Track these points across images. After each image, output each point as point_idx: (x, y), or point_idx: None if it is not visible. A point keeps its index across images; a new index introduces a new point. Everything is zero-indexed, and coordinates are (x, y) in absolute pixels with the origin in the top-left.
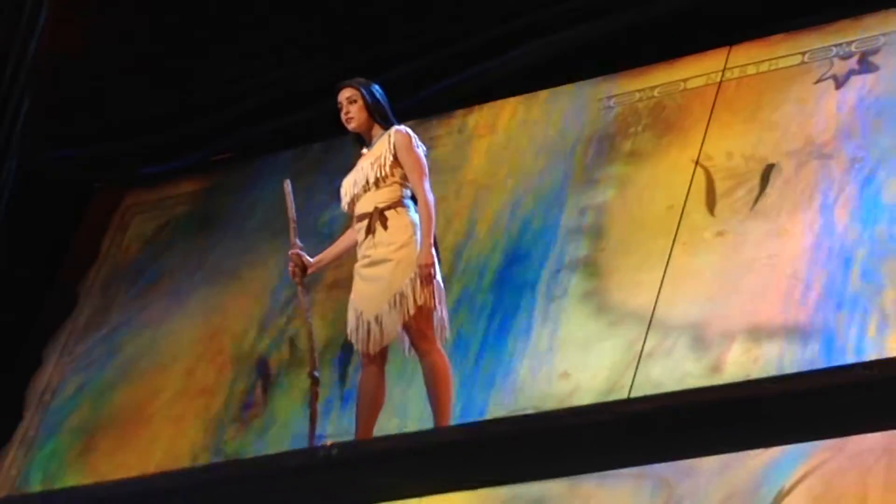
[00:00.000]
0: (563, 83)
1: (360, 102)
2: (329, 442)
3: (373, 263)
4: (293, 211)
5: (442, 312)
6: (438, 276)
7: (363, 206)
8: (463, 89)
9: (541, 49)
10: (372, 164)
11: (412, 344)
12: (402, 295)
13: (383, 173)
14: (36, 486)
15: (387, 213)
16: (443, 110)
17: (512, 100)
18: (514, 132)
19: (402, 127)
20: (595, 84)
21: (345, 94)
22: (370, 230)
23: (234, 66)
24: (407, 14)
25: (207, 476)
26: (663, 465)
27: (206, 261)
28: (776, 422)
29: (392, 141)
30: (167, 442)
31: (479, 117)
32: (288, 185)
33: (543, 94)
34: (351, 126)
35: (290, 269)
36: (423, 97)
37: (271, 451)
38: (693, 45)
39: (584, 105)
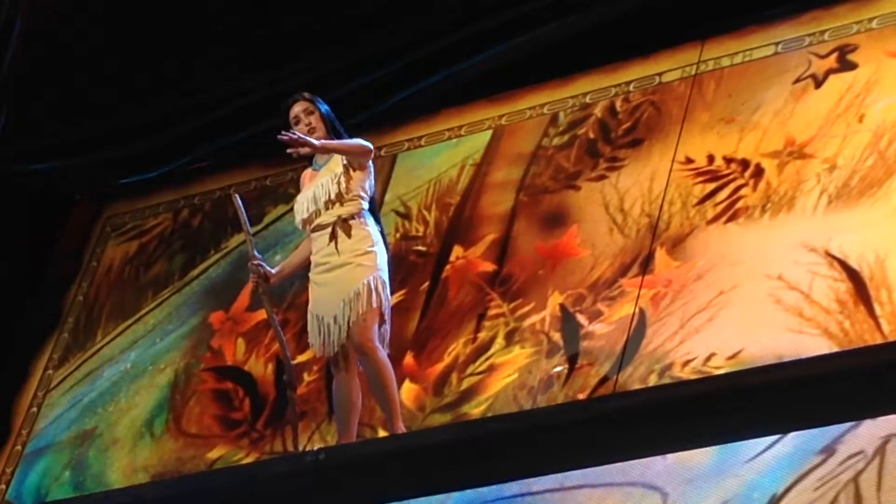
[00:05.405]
0: (537, 83)
1: (317, 114)
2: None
3: (332, 269)
4: (247, 224)
5: (387, 319)
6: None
7: (324, 218)
8: (433, 93)
9: (514, 49)
10: (332, 180)
11: (358, 344)
12: (357, 293)
13: (345, 188)
14: (28, 500)
15: (350, 222)
16: (416, 114)
17: (485, 101)
18: (493, 134)
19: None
20: (569, 82)
21: (301, 107)
22: (333, 237)
23: (207, 74)
24: (378, 20)
25: (196, 484)
26: (655, 472)
27: (189, 275)
28: (764, 412)
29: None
30: (155, 456)
31: (452, 121)
32: (237, 200)
33: (518, 95)
34: (316, 136)
35: (252, 280)
36: (397, 101)
37: None
38: (666, 41)
39: (558, 105)
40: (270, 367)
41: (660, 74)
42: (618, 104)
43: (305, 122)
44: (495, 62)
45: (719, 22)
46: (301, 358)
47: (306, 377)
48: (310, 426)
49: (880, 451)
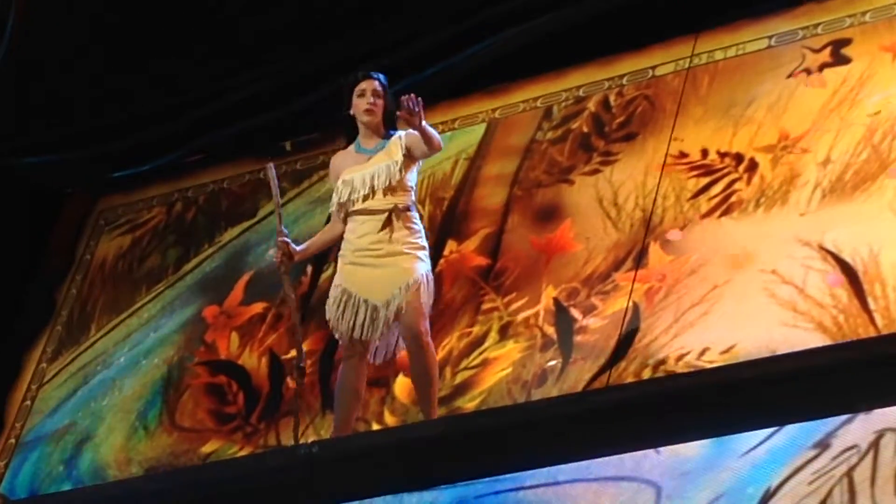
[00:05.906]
0: (531, 76)
1: (383, 101)
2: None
3: (384, 255)
4: (278, 197)
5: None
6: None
7: (376, 203)
8: (427, 86)
9: (507, 42)
10: (394, 167)
11: (416, 334)
12: (416, 282)
13: (404, 176)
14: (21, 494)
15: (408, 213)
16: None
17: (479, 94)
18: (487, 128)
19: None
20: (563, 75)
21: (372, 85)
22: (388, 224)
23: (201, 68)
24: (375, 13)
25: (190, 478)
26: (649, 466)
27: (183, 269)
28: (758, 405)
29: (405, 143)
30: (148, 450)
31: (446, 114)
32: (272, 170)
33: (512, 88)
34: (369, 118)
35: (276, 256)
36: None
37: None
38: (660, 35)
39: (552, 99)
40: (264, 361)
41: (653, 68)
42: (611, 98)
43: (372, 100)
44: (489, 55)
45: (712, 15)
46: (294, 353)
47: None
48: (304, 420)
49: (874, 445)
